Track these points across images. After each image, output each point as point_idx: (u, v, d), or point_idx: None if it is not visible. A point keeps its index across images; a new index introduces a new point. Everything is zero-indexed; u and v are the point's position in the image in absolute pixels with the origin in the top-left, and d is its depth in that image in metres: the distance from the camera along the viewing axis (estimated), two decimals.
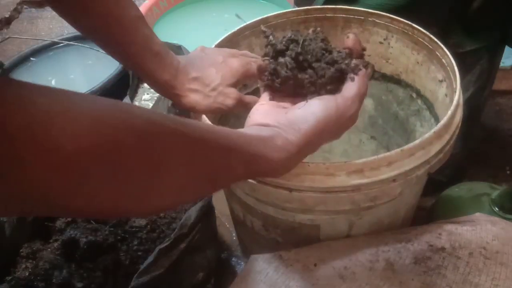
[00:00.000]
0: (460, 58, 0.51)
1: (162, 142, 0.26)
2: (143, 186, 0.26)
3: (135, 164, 0.24)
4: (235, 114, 0.66)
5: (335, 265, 0.45)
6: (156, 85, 0.49)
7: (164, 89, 0.49)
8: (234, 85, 0.51)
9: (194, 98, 0.49)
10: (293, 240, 0.50)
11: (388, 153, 0.40)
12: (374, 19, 0.60)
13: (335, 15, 0.62)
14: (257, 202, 0.49)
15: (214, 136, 0.31)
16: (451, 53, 0.50)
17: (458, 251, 0.46)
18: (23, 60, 1.03)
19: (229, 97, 0.50)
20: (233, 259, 0.77)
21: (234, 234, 0.80)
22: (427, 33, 0.54)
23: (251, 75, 0.52)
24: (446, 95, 0.52)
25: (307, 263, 0.45)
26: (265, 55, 0.42)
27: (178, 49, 0.88)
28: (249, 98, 0.53)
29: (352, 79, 0.39)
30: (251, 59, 0.54)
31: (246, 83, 0.55)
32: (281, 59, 0.40)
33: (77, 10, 0.44)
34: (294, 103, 0.40)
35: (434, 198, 0.74)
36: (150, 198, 0.27)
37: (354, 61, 0.40)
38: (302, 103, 0.38)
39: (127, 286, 0.52)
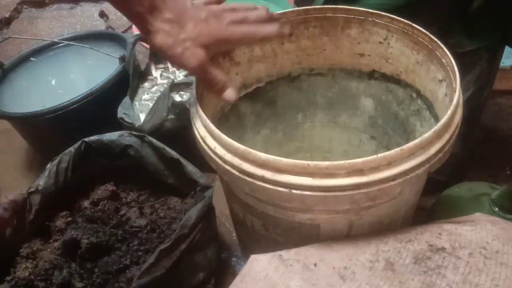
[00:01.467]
0: (460, 58, 0.51)
1: None
2: None
3: None
4: (235, 113, 0.66)
5: (335, 265, 0.45)
6: (132, 18, 0.48)
7: (139, 22, 0.48)
8: (207, 46, 0.49)
9: (164, 40, 0.47)
10: (293, 240, 0.50)
11: (388, 153, 0.40)
12: (374, 19, 0.60)
13: (335, 15, 0.62)
14: (257, 201, 0.49)
15: None
16: (451, 53, 0.50)
17: (458, 251, 0.46)
18: (23, 60, 1.03)
19: (195, 57, 0.48)
20: (233, 259, 0.77)
21: (234, 234, 0.80)
22: (427, 33, 0.54)
23: (227, 41, 0.50)
24: (446, 95, 0.52)
25: (307, 263, 0.45)
26: None
27: None
28: (215, 71, 0.51)
29: None
30: (235, 29, 0.50)
31: (220, 50, 0.54)
32: None
33: None
34: None
35: (434, 198, 0.74)
36: None
37: None
38: None
39: (127, 286, 0.52)
